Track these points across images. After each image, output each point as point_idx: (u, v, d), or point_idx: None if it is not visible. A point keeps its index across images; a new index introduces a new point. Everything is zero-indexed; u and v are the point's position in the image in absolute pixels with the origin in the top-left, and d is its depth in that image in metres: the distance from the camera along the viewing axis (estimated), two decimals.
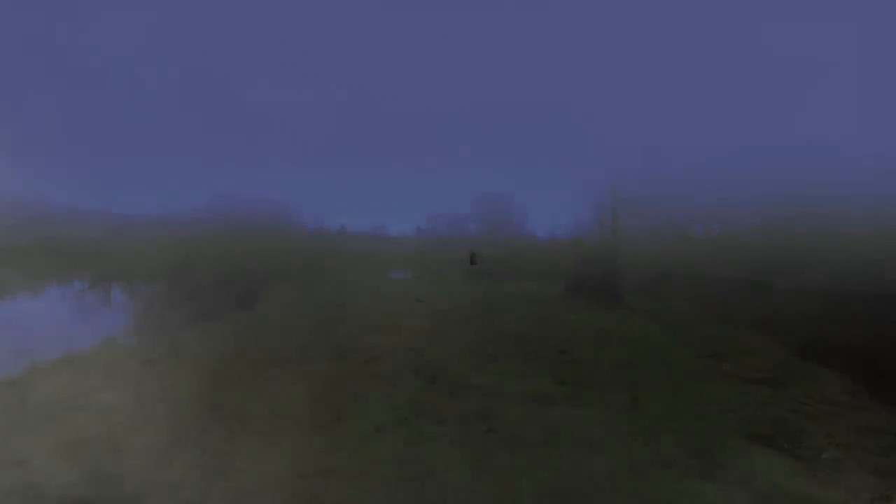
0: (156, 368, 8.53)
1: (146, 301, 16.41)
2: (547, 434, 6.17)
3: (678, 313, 18.39)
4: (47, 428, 6.08)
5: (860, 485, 5.02)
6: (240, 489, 4.79)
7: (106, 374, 8.21)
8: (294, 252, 30.50)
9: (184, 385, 7.64)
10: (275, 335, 11.16)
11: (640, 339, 11.45)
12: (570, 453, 5.69)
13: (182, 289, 17.67)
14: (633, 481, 5.02)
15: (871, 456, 5.66)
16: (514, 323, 12.72)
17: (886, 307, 15.46)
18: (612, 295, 19.89)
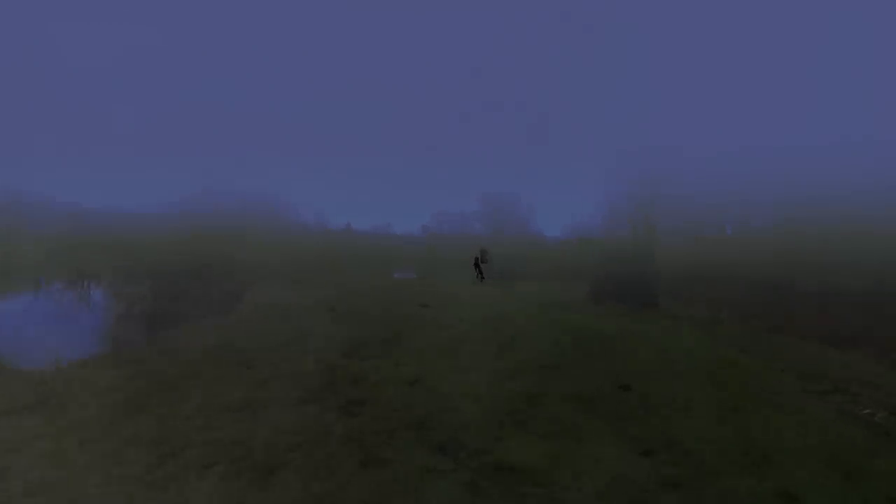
0: (37, 415, 5.49)
1: (97, 305, 13.42)
2: None
3: (728, 321, 15.19)
4: None
5: None
6: None
7: None
8: (289, 250, 27.45)
9: (55, 461, 4.57)
10: (232, 359, 8.10)
11: (717, 363, 8.27)
12: None
13: (144, 289, 14.73)
14: None
15: None
16: (545, 340, 9.58)
17: None
18: (647, 299, 16.71)
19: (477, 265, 24.37)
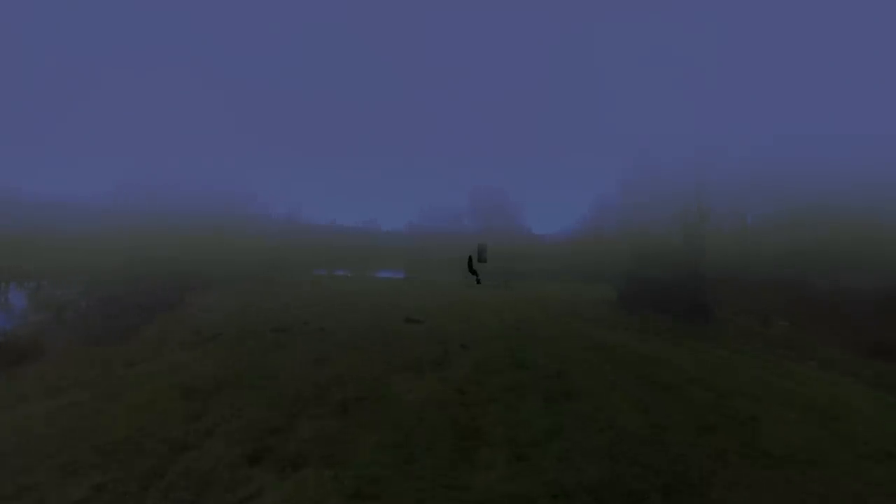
0: None
1: None
2: None
3: (794, 336, 11.44)
4: None
5: None
6: None
7: None
8: (251, 249, 22.40)
9: None
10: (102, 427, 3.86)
11: None
12: None
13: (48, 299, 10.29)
14: None
15: None
16: (613, 399, 5.58)
17: None
18: (698, 309, 12.95)
19: (470, 265, 20.69)
